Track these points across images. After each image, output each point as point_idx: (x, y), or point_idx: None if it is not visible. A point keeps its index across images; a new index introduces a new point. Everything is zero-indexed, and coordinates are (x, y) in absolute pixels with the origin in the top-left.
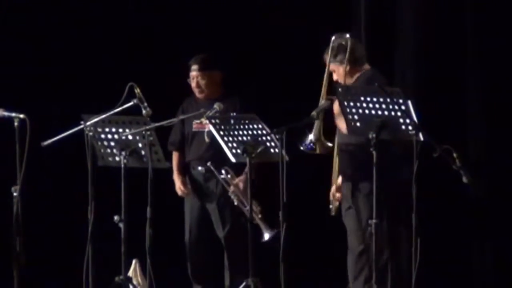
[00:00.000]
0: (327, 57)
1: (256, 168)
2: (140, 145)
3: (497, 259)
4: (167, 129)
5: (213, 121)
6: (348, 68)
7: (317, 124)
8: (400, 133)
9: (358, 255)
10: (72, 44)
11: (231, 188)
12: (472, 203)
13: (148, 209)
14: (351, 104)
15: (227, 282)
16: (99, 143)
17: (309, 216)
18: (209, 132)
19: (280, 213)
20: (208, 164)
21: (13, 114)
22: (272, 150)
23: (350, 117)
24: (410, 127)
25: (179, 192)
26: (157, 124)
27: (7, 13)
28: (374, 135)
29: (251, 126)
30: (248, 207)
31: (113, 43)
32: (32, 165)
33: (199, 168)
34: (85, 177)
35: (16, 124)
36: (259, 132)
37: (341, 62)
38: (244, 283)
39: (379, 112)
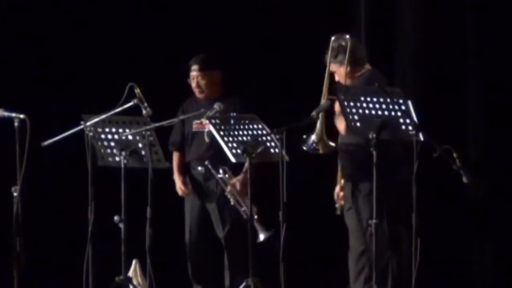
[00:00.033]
0: (328, 57)
1: (255, 169)
2: (140, 145)
3: (497, 259)
4: (167, 129)
5: (213, 121)
6: (348, 68)
7: (319, 124)
8: (400, 133)
9: (358, 255)
10: (72, 44)
11: (228, 188)
12: (472, 203)
13: (148, 209)
14: (351, 104)
15: (227, 282)
16: (99, 143)
17: (309, 216)
18: (209, 132)
19: (280, 213)
20: (206, 162)
21: (13, 114)
22: (272, 150)
23: (350, 117)
24: (410, 127)
25: (180, 192)
26: (157, 124)
27: (7, 13)
28: (374, 135)
29: (251, 126)
30: (244, 208)
31: (113, 43)
32: (32, 165)
33: (199, 168)
34: (85, 177)
35: (16, 124)
36: (259, 132)
37: (341, 63)
38: (244, 283)
39: (379, 112)
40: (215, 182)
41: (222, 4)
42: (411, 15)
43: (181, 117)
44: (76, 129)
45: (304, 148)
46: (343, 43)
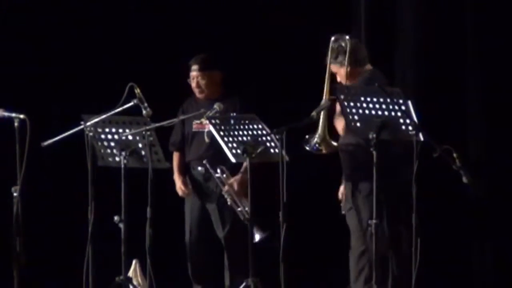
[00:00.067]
0: (328, 58)
1: (253, 169)
2: (140, 145)
3: (497, 259)
4: (167, 129)
5: (213, 121)
6: (349, 69)
7: (321, 124)
8: (400, 133)
9: (359, 255)
10: (72, 44)
11: (225, 188)
12: (472, 203)
13: (148, 209)
14: (351, 104)
15: (227, 282)
16: (99, 143)
17: (309, 216)
18: (209, 132)
19: (280, 213)
20: (204, 162)
21: (13, 115)
22: (272, 150)
23: (350, 117)
24: (410, 127)
25: (180, 192)
26: (157, 125)
27: (7, 13)
28: (374, 135)
29: (251, 126)
30: (241, 208)
31: (113, 43)
32: (32, 165)
33: (199, 168)
34: (85, 177)
35: (16, 124)
36: (259, 132)
37: (342, 64)
38: (244, 283)
39: (379, 112)
40: (215, 182)
41: (222, 4)
42: (411, 15)
43: (181, 117)
44: (76, 129)
45: (307, 148)
46: (343, 44)
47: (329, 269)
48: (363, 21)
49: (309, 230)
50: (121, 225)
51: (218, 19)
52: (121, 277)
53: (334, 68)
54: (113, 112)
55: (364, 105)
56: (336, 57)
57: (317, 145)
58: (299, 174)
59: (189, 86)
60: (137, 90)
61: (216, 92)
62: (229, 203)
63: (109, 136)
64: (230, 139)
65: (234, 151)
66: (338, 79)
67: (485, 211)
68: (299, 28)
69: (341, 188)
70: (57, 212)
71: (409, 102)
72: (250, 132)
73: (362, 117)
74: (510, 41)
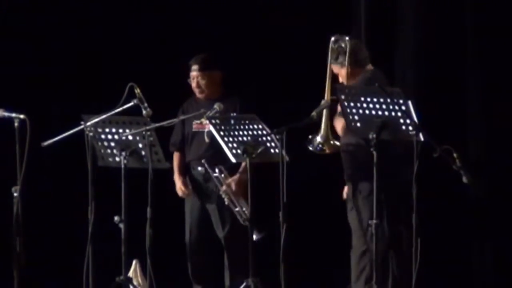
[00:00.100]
0: (329, 59)
1: (252, 169)
2: (140, 145)
3: (497, 259)
4: (167, 129)
5: (213, 121)
6: (349, 70)
7: (324, 124)
8: (401, 133)
9: (360, 255)
10: (72, 44)
11: (223, 187)
12: (472, 203)
13: (148, 209)
14: (352, 104)
15: (227, 282)
16: (99, 143)
17: (309, 216)
18: (209, 132)
19: (280, 213)
20: (203, 161)
21: (13, 115)
22: (272, 151)
23: (351, 117)
24: (410, 127)
25: (180, 193)
26: (157, 125)
27: (7, 13)
28: (374, 136)
29: (251, 127)
30: (238, 208)
31: (113, 43)
32: (32, 166)
33: (199, 168)
34: (85, 178)
35: (16, 124)
36: (259, 132)
37: (342, 64)
38: (244, 283)
39: (379, 113)
40: (215, 182)
41: (222, 4)
42: (411, 15)
43: (181, 117)
44: (76, 129)
45: (310, 148)
46: (343, 45)
47: (329, 269)
48: (363, 21)
49: (309, 230)
50: (121, 225)
51: (218, 19)
52: (121, 277)
53: (335, 68)
54: (113, 112)
55: (364, 105)
56: (336, 58)
57: (320, 145)
58: (299, 174)
59: (189, 86)
60: (137, 90)
61: (216, 92)
62: (226, 203)
63: (109, 136)
64: (230, 139)
65: (234, 151)
66: (340, 79)
67: (485, 211)
68: (299, 28)
69: (346, 188)
70: (57, 212)
71: (409, 102)
72: (250, 132)
73: (362, 117)
74: (510, 41)
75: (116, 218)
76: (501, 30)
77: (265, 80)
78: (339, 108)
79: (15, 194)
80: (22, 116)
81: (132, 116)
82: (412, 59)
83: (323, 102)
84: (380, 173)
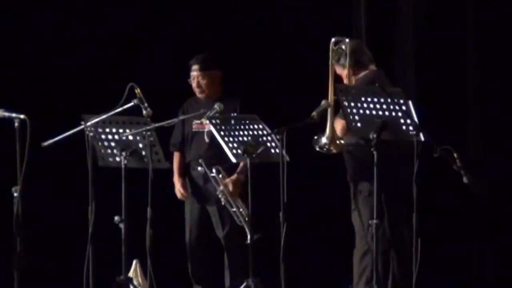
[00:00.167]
0: (330, 60)
1: (250, 169)
2: (140, 145)
3: (497, 259)
4: (167, 129)
5: (213, 121)
6: (351, 71)
7: (329, 125)
8: (401, 134)
9: (362, 255)
10: (72, 44)
11: (220, 188)
12: (472, 203)
13: (149, 209)
14: (352, 104)
15: (227, 282)
16: (100, 143)
17: (309, 216)
18: (209, 132)
19: (281, 213)
20: (200, 161)
21: (14, 115)
22: (272, 151)
23: (351, 117)
24: (410, 127)
25: (179, 195)
26: (157, 125)
27: (6, 13)
28: (374, 136)
29: (251, 126)
30: (235, 209)
31: (113, 43)
32: (32, 166)
33: (199, 168)
34: (86, 178)
35: (16, 124)
36: (260, 132)
37: (344, 66)
38: (244, 283)
39: (380, 113)
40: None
41: (222, 4)
42: (411, 15)
43: (181, 117)
44: (77, 129)
45: (317, 148)
46: (343, 47)
47: (330, 269)
48: (363, 21)
49: (309, 230)
50: (122, 225)
51: (218, 19)
52: (122, 277)
53: (338, 70)
54: (113, 112)
55: (365, 105)
56: (338, 60)
57: (326, 146)
58: (299, 174)
59: (190, 86)
60: (137, 90)
61: (216, 92)
62: (223, 203)
63: (110, 136)
64: (231, 139)
65: (234, 151)
66: (345, 81)
67: (485, 211)
68: (299, 28)
69: None
70: (57, 212)
71: (410, 102)
72: (250, 132)
73: (363, 117)
74: (511, 41)
75: (116, 218)
76: (501, 30)
77: (265, 80)
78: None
79: (15, 194)
80: (22, 116)
81: (132, 116)
82: (412, 59)
83: (323, 102)
84: (381, 173)
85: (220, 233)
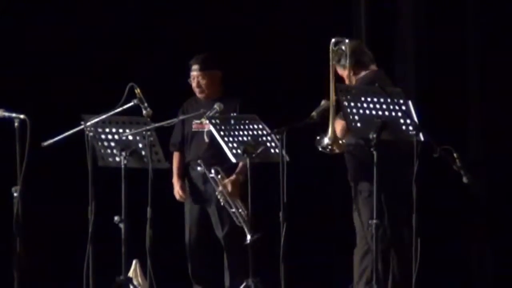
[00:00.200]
0: (331, 61)
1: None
2: (140, 145)
3: (497, 259)
4: (167, 129)
5: (213, 121)
6: (352, 71)
7: (331, 125)
8: (401, 134)
9: (362, 255)
10: (72, 44)
11: (219, 188)
12: (472, 203)
13: (149, 209)
14: (352, 104)
15: (227, 282)
16: (100, 143)
17: (309, 216)
18: (209, 131)
19: (281, 213)
20: (199, 161)
21: (14, 115)
22: (272, 151)
23: (351, 117)
24: (410, 127)
25: (177, 197)
26: (157, 125)
27: (6, 13)
28: (374, 136)
29: (251, 126)
30: (234, 209)
31: (113, 43)
32: (32, 166)
33: (199, 168)
34: (86, 178)
35: (16, 124)
36: (260, 132)
37: (345, 67)
38: (244, 283)
39: (380, 113)
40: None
41: (222, 4)
42: (411, 15)
43: (181, 117)
44: (76, 129)
45: (320, 149)
46: (343, 47)
47: (330, 269)
48: (363, 20)
49: (309, 230)
50: (121, 225)
51: (218, 19)
52: (122, 277)
53: (339, 71)
54: (113, 112)
55: (365, 105)
56: (338, 60)
57: (329, 146)
58: (298, 174)
59: (190, 86)
60: (137, 90)
61: (216, 92)
62: (222, 203)
63: (109, 136)
64: (231, 139)
65: (234, 151)
66: (346, 81)
67: (485, 211)
68: (300, 28)
69: None
70: (57, 212)
71: (410, 102)
72: (250, 132)
73: (363, 117)
74: (511, 41)
75: (116, 218)
76: (501, 30)
77: (265, 80)
78: None
79: (15, 194)
80: (22, 116)
81: (132, 116)
82: (412, 59)
83: (323, 102)
84: (380, 173)
85: (219, 233)
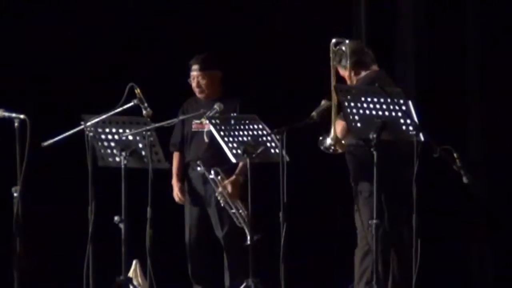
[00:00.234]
0: (332, 61)
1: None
2: (140, 145)
3: (497, 259)
4: (167, 129)
5: (213, 121)
6: (353, 72)
7: (333, 125)
8: (401, 134)
9: (363, 255)
10: (72, 44)
11: (219, 189)
12: (472, 203)
13: (149, 209)
14: (352, 104)
15: (227, 282)
16: (100, 143)
17: (309, 216)
18: (208, 131)
19: (281, 214)
20: (198, 162)
21: (14, 115)
22: (272, 151)
23: (351, 117)
24: (410, 128)
25: (176, 199)
26: (157, 125)
27: (6, 13)
28: (374, 136)
29: (251, 127)
30: (234, 210)
31: (113, 43)
32: (32, 166)
33: (198, 168)
34: (86, 178)
35: (16, 124)
36: (260, 132)
37: (346, 67)
38: (244, 284)
39: (380, 113)
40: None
41: (222, 4)
42: (411, 15)
43: (181, 117)
44: (76, 129)
45: (322, 149)
46: (343, 48)
47: (330, 269)
48: (364, 21)
49: (309, 230)
50: (122, 225)
51: (218, 19)
52: (122, 277)
53: (341, 71)
54: (113, 112)
55: (365, 105)
56: (339, 61)
57: (332, 146)
58: (299, 174)
59: (189, 86)
60: (137, 90)
61: (216, 92)
62: (222, 205)
63: (109, 136)
64: (231, 139)
65: (234, 151)
66: (348, 82)
67: (485, 211)
68: (300, 28)
69: None
70: (57, 212)
71: (410, 102)
72: (250, 132)
73: (363, 118)
74: (511, 41)
75: (116, 218)
76: (501, 30)
77: (265, 80)
78: None
79: (15, 194)
80: (22, 116)
81: (132, 116)
82: (412, 59)
83: (323, 102)
84: (380, 174)
85: (219, 233)
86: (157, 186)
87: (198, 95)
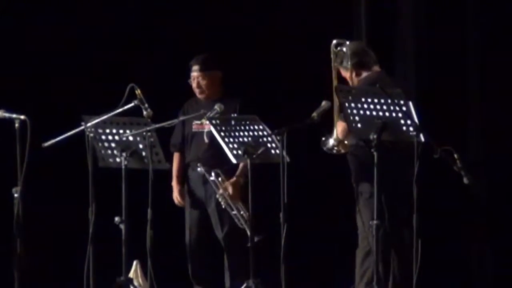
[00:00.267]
0: (332, 62)
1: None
2: (140, 146)
3: (497, 260)
4: (168, 130)
5: (214, 122)
6: (354, 72)
7: (336, 126)
8: (401, 134)
9: (364, 256)
10: (72, 44)
11: (220, 191)
12: (472, 204)
13: (149, 210)
14: (352, 105)
15: (227, 283)
16: (100, 144)
17: (309, 216)
18: (209, 132)
19: (281, 214)
20: (198, 165)
21: (14, 115)
22: (273, 151)
23: (351, 118)
24: (411, 128)
25: (176, 201)
26: (157, 125)
27: (6, 13)
28: (375, 137)
29: (252, 127)
30: (235, 212)
31: (113, 43)
32: (32, 166)
33: (199, 169)
34: (86, 178)
35: (16, 125)
36: (260, 133)
37: (347, 68)
38: (245, 284)
39: (380, 113)
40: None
41: (222, 4)
42: (411, 15)
43: (182, 118)
44: (77, 130)
45: (325, 150)
46: (345, 49)
47: (330, 270)
48: (364, 21)
49: (310, 230)
50: (122, 226)
51: (218, 19)
52: (122, 278)
53: (343, 73)
54: (113, 113)
55: (365, 106)
56: (341, 62)
57: (335, 147)
58: (299, 174)
59: (190, 86)
60: (138, 91)
61: (216, 93)
62: (223, 206)
63: (110, 137)
64: (231, 139)
65: (235, 152)
66: (350, 83)
67: (485, 211)
68: (300, 28)
69: None
70: (58, 213)
71: (410, 103)
72: (251, 133)
73: (363, 118)
74: (511, 41)
75: (116, 219)
76: (501, 30)
77: (265, 80)
78: None
79: (15, 195)
80: (22, 117)
81: (132, 117)
82: (412, 59)
83: (324, 103)
84: (381, 174)
85: (219, 233)
86: (158, 187)
87: (199, 95)
